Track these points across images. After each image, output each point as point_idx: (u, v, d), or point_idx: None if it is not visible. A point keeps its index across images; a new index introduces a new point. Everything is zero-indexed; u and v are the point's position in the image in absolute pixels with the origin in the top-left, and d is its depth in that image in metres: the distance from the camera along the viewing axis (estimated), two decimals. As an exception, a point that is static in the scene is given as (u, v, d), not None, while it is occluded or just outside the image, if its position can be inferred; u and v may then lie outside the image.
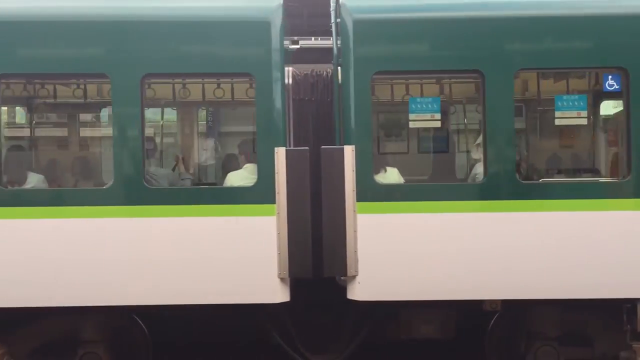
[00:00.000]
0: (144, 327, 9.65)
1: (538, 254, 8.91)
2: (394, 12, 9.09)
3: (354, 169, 8.85)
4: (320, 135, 9.62)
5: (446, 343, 10.20)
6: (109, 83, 8.93)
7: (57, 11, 8.93)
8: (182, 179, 9.78)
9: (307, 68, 9.99)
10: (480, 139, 9.37)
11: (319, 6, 10.72)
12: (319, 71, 9.84)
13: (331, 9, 9.59)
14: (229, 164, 10.63)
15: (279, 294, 8.93)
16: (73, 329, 9.50)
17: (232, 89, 11.01)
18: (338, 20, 9.26)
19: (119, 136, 8.84)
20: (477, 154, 10.00)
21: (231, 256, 8.88)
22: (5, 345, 9.16)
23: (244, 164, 9.58)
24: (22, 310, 8.95)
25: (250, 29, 8.87)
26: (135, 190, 8.84)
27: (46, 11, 8.92)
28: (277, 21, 8.87)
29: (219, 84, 10.47)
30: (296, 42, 9.96)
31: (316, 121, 9.75)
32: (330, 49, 9.66)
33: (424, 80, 10.34)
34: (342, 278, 9.12)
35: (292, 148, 8.92)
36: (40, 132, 11.36)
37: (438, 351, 10.58)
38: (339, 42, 9.20)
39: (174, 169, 10.39)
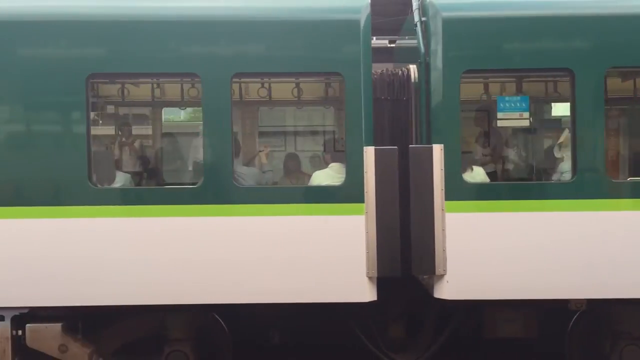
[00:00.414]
0: (224, 325, 9.64)
1: (627, 252, 8.83)
2: (484, 10, 9.04)
3: (443, 168, 8.82)
4: (395, 135, 9.59)
5: (518, 342, 10.16)
6: (199, 82, 8.91)
7: (146, 12, 8.99)
8: (263, 172, 9.79)
9: (381, 67, 9.97)
10: (563, 138, 9.30)
11: (387, 5, 10.74)
12: (395, 70, 9.82)
13: (413, 8, 9.56)
14: (289, 163, 10.63)
15: (367, 293, 8.93)
16: (159, 327, 9.49)
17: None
18: (423, 19, 9.23)
19: (209, 135, 8.85)
20: (560, 153, 9.95)
21: (319, 255, 8.89)
22: (93, 344, 9.18)
23: (329, 163, 9.57)
24: (109, 309, 8.98)
25: (340, 28, 8.89)
26: (225, 189, 8.86)
27: (135, 11, 8.98)
28: (366, 20, 8.87)
29: (297, 84, 10.47)
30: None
31: (391, 120, 9.72)
32: (405, 48, 9.63)
33: (504, 79, 10.28)
34: (424, 277, 9.10)
35: (381, 147, 8.91)
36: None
37: (515, 351, 10.53)
38: (423, 40, 9.15)
39: (248, 164, 10.33)
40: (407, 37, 10.61)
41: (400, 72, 9.76)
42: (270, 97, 10.67)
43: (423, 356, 9.67)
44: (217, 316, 9.67)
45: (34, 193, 8.83)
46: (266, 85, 10.41)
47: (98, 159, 9.19)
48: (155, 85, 10.42)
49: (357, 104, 8.83)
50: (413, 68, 9.63)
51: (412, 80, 9.58)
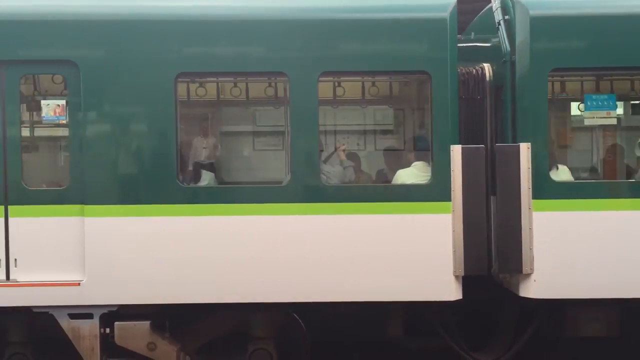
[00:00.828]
0: (302, 325, 9.64)
1: None
2: (571, 9, 9.02)
3: (530, 167, 8.80)
4: (469, 134, 9.57)
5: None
6: (287, 81, 8.94)
7: (235, 11, 9.03)
8: (344, 167, 9.80)
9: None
10: None
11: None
12: (469, 69, 9.80)
13: (495, 7, 9.54)
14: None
15: (453, 291, 8.93)
16: (243, 326, 9.53)
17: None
18: (506, 17, 9.21)
19: (296, 134, 8.88)
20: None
21: (405, 254, 8.89)
22: (179, 342, 9.23)
23: (412, 162, 9.56)
24: (194, 307, 9.03)
25: (428, 27, 8.89)
26: (313, 187, 8.88)
27: (224, 11, 9.03)
28: (452, 18, 8.87)
29: (373, 82, 10.47)
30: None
31: (466, 120, 9.69)
32: (482, 48, 9.62)
33: (584, 78, 10.22)
34: (505, 276, 9.05)
35: (468, 146, 8.91)
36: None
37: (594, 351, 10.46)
38: (508, 39, 9.12)
39: (325, 160, 10.32)
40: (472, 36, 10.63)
41: (474, 70, 9.73)
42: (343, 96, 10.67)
43: (504, 356, 9.62)
44: (295, 315, 9.63)
45: (125, 191, 8.85)
46: (342, 84, 10.39)
47: (184, 157, 9.21)
48: (243, 85, 10.48)
49: (444, 102, 8.84)
50: (487, 67, 9.60)
51: (487, 78, 9.54)
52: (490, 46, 9.93)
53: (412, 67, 9.04)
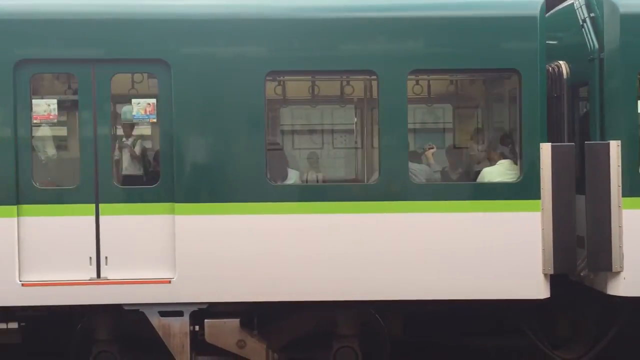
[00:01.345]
0: (382, 323, 9.65)
1: None
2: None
3: (619, 164, 8.78)
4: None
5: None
6: (375, 80, 8.95)
7: (330, 10, 9.09)
8: (434, 171, 9.82)
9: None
10: None
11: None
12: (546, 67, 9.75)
13: (577, 5, 9.52)
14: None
15: (542, 290, 8.93)
16: (328, 323, 9.55)
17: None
18: (592, 15, 9.19)
19: (386, 132, 8.90)
20: None
21: (493, 252, 8.88)
22: (266, 340, 9.26)
23: (497, 160, 9.55)
24: (281, 305, 9.08)
25: (518, 25, 8.89)
26: (403, 186, 8.90)
27: (319, 10, 9.08)
28: (541, 16, 8.87)
29: (455, 82, 10.46)
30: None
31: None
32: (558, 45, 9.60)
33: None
34: (589, 274, 9.04)
35: (558, 144, 8.90)
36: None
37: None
38: (595, 37, 9.10)
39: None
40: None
41: (551, 68, 9.70)
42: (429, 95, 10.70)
43: (586, 355, 9.61)
44: (374, 313, 9.64)
45: (215, 190, 8.89)
46: (421, 82, 10.41)
47: (272, 156, 9.24)
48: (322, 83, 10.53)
49: (533, 100, 8.85)
50: (564, 64, 9.57)
51: (565, 76, 9.51)
52: (569, 43, 9.90)
53: (503, 65, 9.05)
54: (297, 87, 10.63)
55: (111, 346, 9.44)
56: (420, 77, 9.74)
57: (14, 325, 9.17)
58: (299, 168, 10.15)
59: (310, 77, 10.16)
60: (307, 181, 10.29)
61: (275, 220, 8.96)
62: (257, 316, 9.27)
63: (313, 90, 10.43)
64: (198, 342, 9.16)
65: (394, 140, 8.94)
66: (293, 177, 9.56)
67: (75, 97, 9.23)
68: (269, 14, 8.98)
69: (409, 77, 8.98)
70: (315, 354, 9.72)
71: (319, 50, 8.96)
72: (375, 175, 9.11)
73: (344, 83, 10.66)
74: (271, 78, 9.18)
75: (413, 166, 9.36)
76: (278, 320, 9.53)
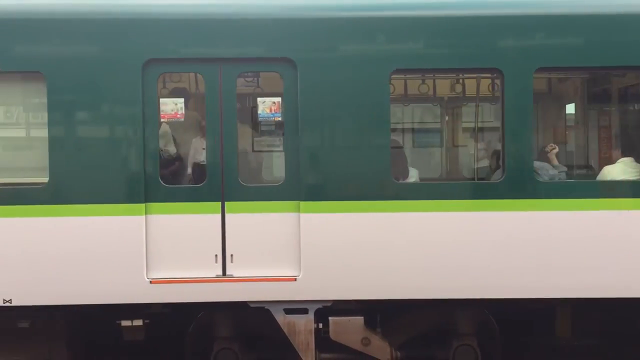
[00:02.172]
0: (495, 323, 9.62)
1: None
2: None
3: None
4: None
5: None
6: (501, 78, 8.92)
7: (454, 8, 9.07)
8: (559, 172, 9.78)
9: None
10: None
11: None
12: None
13: None
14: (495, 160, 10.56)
15: None
16: (447, 322, 9.56)
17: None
18: None
19: (511, 130, 8.88)
20: None
21: (616, 251, 8.85)
22: (387, 338, 9.27)
23: (618, 158, 9.50)
24: (402, 303, 9.09)
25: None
26: (528, 184, 8.87)
27: (443, 8, 9.07)
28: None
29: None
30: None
31: None
32: None
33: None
34: None
35: None
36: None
37: None
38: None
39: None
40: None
41: None
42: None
43: None
44: (487, 313, 9.62)
45: (341, 188, 8.93)
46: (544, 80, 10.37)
47: (394, 154, 9.26)
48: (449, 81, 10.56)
49: None
50: None
51: None
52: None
53: (630, 62, 8.95)
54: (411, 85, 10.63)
55: (232, 344, 9.48)
56: (544, 75, 9.62)
57: (139, 322, 9.24)
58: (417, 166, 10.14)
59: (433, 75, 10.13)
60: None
61: (400, 219, 8.96)
62: (380, 314, 9.26)
63: (435, 88, 10.41)
64: (321, 339, 9.17)
65: (519, 138, 8.91)
66: (414, 175, 9.56)
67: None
68: (394, 12, 8.97)
69: (534, 75, 8.90)
70: (434, 351, 9.68)
71: (444, 48, 8.94)
72: (498, 174, 9.06)
73: (454, 81, 10.64)
74: (397, 76, 9.12)
75: (537, 164, 9.32)
76: (398, 318, 9.52)
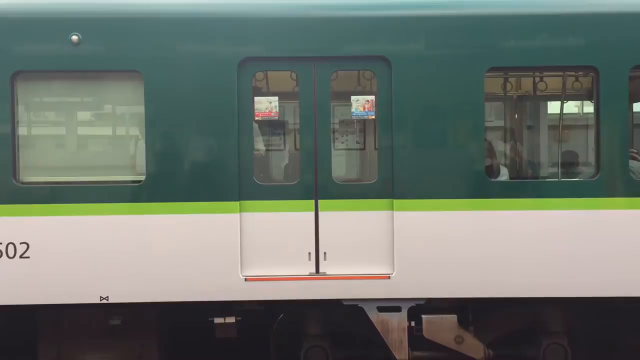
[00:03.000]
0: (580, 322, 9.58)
1: None
2: None
3: None
4: None
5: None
6: (595, 76, 8.88)
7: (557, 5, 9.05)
8: None
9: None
10: None
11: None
12: None
13: None
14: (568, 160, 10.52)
15: None
16: (537, 320, 9.55)
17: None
18: None
19: (606, 128, 8.84)
20: None
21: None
22: (479, 336, 9.26)
23: None
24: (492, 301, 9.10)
25: None
26: (623, 182, 8.85)
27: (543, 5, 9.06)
28: None
29: None
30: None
31: None
32: None
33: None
34: None
35: None
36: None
37: None
38: None
39: None
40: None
41: None
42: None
43: None
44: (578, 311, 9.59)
45: (434, 185, 8.94)
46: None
47: (488, 152, 9.26)
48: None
49: None
50: None
51: None
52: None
53: None
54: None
55: (322, 341, 9.51)
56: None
57: (231, 319, 9.29)
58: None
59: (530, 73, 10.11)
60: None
61: (494, 217, 8.96)
62: (472, 312, 9.26)
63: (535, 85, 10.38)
64: (413, 337, 9.18)
65: (615, 137, 8.88)
66: (505, 173, 9.55)
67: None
68: (490, 9, 8.97)
69: (630, 73, 8.87)
70: (523, 350, 9.66)
71: (540, 45, 8.90)
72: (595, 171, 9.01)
73: (538, 79, 10.61)
74: (491, 74, 9.11)
75: (633, 163, 9.27)
76: (488, 316, 9.51)
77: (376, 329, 9.14)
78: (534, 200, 8.99)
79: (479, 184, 8.92)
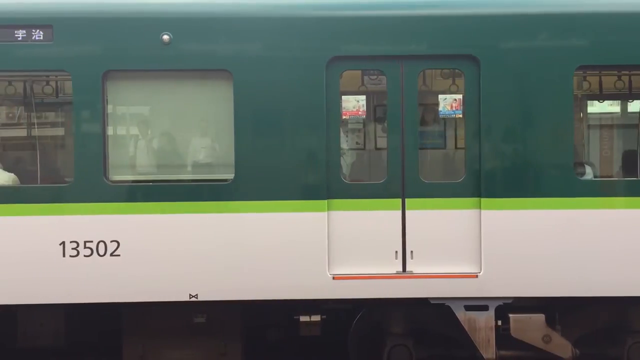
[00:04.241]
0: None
1: None
2: None
3: None
4: None
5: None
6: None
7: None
8: None
9: None
10: None
11: None
12: None
13: None
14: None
15: None
16: (621, 319, 9.52)
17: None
18: None
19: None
20: None
21: None
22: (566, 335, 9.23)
23: None
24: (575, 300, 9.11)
25: None
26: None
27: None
28: None
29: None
30: None
31: None
32: None
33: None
34: None
35: None
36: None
37: None
38: None
39: None
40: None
41: None
42: None
43: None
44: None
45: (522, 184, 8.93)
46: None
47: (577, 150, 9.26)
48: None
49: None
50: None
51: None
52: None
53: None
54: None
55: (406, 340, 9.51)
56: None
57: (316, 318, 9.31)
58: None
59: (617, 72, 10.07)
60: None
61: (580, 216, 8.93)
62: (559, 311, 9.24)
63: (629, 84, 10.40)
64: (499, 336, 9.17)
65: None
66: (590, 172, 9.54)
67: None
68: (579, 8, 8.96)
69: None
70: (605, 349, 9.63)
71: (630, 44, 8.86)
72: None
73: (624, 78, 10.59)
74: (580, 73, 9.08)
75: None
76: (573, 315, 9.47)
77: (462, 328, 9.11)
78: (624, 199, 8.94)
79: (568, 182, 8.90)
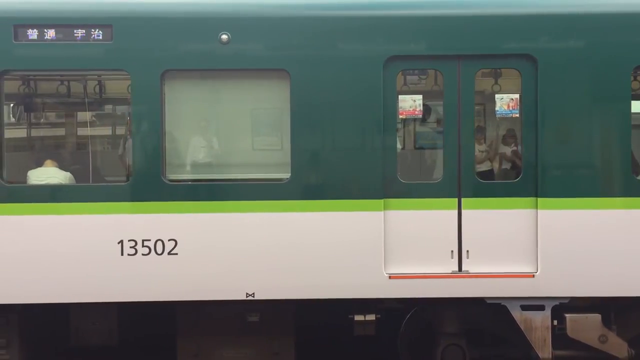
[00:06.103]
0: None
1: None
2: None
3: None
4: None
5: None
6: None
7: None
8: None
9: None
10: None
11: None
12: None
13: None
14: None
15: None
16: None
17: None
18: None
19: None
20: None
21: None
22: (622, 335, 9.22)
23: None
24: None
25: None
26: None
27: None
28: None
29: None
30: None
31: None
32: None
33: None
34: None
35: None
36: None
37: None
38: None
39: None
40: None
41: None
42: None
43: None
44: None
45: (580, 184, 8.93)
46: None
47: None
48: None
49: None
50: None
51: None
52: None
53: None
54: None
55: (459, 340, 9.52)
56: None
57: (371, 317, 9.33)
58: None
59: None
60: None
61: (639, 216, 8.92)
62: (614, 311, 9.23)
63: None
64: (554, 336, 9.16)
65: None
66: (642, 172, 9.51)
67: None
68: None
69: None
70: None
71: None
72: None
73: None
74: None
75: None
76: (627, 315, 9.46)
77: (516, 328, 9.10)
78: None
79: (626, 182, 8.89)
